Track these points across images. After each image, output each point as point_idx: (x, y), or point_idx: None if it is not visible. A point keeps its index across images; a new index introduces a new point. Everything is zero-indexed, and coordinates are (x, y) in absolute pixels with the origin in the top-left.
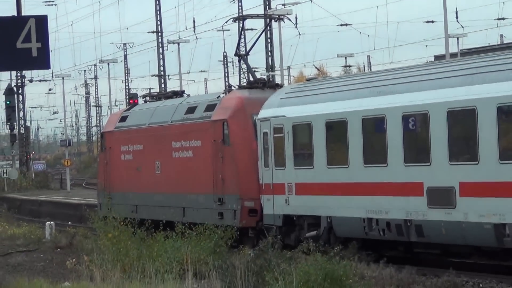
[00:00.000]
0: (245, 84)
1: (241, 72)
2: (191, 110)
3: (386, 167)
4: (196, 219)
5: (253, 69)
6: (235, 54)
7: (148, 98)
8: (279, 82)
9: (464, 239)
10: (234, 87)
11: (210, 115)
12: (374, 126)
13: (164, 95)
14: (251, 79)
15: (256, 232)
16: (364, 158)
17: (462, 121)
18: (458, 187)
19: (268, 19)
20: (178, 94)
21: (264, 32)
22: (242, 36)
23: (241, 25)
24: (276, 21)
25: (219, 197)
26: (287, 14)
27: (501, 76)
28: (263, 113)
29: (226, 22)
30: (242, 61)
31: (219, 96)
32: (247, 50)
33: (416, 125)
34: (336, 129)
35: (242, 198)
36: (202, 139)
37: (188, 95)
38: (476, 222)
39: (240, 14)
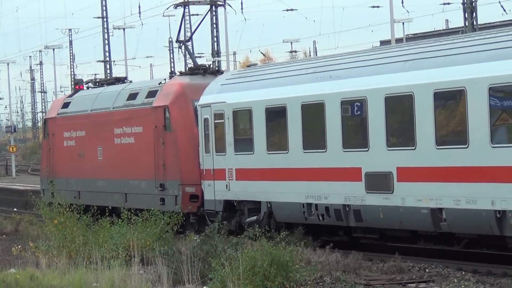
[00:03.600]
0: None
1: (187, 58)
2: (132, 96)
3: (325, 152)
4: (138, 205)
5: (199, 55)
6: (177, 41)
7: (91, 84)
8: (225, 68)
9: (401, 224)
10: (176, 73)
11: (151, 101)
12: (313, 112)
13: (106, 81)
14: (195, 65)
15: (198, 217)
16: (303, 143)
17: (400, 107)
18: (396, 172)
19: (211, 5)
20: (121, 80)
21: (210, 18)
22: (188, 22)
23: (184, 10)
24: (217, 7)
25: (160, 183)
26: None
27: (438, 62)
28: (204, 99)
29: (168, 8)
30: (184, 47)
31: (161, 83)
32: (191, 35)
33: (354, 111)
34: (276, 115)
35: (183, 184)
36: (143, 125)
37: (130, 81)
38: (413, 207)
39: (182, 1)
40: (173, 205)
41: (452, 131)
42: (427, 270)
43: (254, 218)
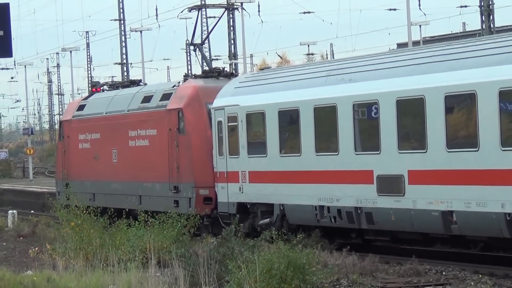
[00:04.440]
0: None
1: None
2: (147, 99)
3: (337, 155)
4: (152, 207)
5: (216, 57)
6: (190, 44)
7: (105, 87)
8: (242, 70)
9: (412, 226)
10: (190, 76)
11: (165, 104)
12: (325, 115)
13: (121, 84)
14: (209, 68)
15: (211, 220)
16: (316, 146)
17: (411, 110)
18: (407, 175)
19: (226, 8)
20: (135, 83)
21: (227, 20)
22: (205, 24)
23: (199, 14)
24: (231, 10)
25: (174, 185)
26: (250, 1)
27: (448, 66)
28: (218, 102)
29: (182, 11)
30: (197, 51)
31: (175, 85)
32: (205, 38)
33: (366, 114)
34: (288, 118)
35: (197, 186)
36: (157, 128)
37: (145, 84)
38: (424, 210)
39: (196, 4)
40: (187, 208)
41: (462, 134)
42: (443, 273)
43: (267, 220)
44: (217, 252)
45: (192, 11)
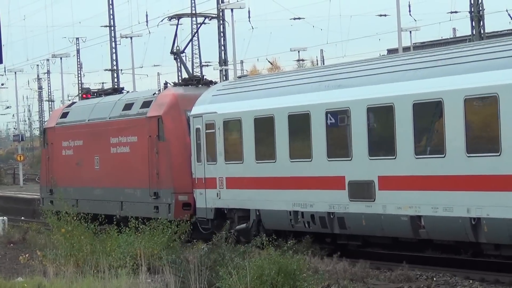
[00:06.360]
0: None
1: (192, 67)
2: (128, 106)
3: (310, 161)
4: (133, 213)
5: (206, 63)
6: (171, 52)
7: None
8: (233, 76)
9: (383, 231)
10: (170, 84)
11: (146, 112)
12: (299, 122)
13: (104, 91)
14: (189, 76)
15: (191, 225)
16: (290, 153)
17: (381, 118)
18: (377, 181)
19: (204, 17)
20: (118, 90)
21: (217, 26)
22: (195, 31)
23: (178, 23)
24: (210, 19)
25: (154, 191)
26: (240, 8)
27: (417, 74)
28: (196, 110)
29: (162, 20)
30: (178, 59)
31: (155, 93)
32: (185, 47)
33: (338, 122)
34: (264, 125)
35: (176, 192)
36: (138, 135)
37: (127, 92)
38: (394, 214)
39: (176, 14)
40: (167, 213)
41: (430, 141)
42: (434, 279)
43: (244, 225)
44: (208, 258)
45: (172, 20)
